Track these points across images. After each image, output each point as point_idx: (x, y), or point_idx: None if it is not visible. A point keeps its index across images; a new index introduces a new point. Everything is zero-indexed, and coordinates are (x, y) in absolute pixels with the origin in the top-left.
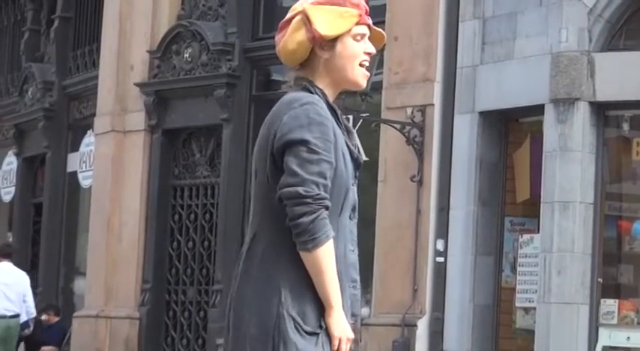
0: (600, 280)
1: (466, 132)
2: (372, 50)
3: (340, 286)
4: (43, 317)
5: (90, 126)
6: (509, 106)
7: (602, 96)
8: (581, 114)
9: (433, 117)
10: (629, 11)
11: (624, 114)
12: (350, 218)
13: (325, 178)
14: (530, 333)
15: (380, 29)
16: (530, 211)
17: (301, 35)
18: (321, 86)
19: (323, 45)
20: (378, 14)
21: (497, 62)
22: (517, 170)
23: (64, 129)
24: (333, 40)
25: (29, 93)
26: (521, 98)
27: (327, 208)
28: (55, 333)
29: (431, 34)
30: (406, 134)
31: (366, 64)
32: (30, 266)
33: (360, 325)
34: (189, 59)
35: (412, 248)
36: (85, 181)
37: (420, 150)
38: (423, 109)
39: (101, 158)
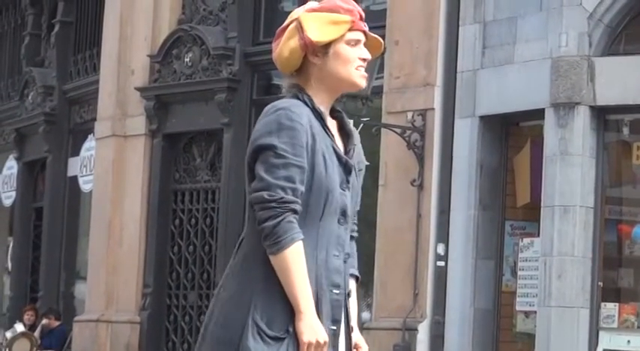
0: (600, 283)
1: (466, 136)
2: (367, 56)
3: (319, 291)
4: (44, 322)
5: (90, 130)
6: (510, 111)
7: (602, 100)
8: (582, 118)
9: (434, 121)
10: (629, 16)
11: (624, 118)
12: (339, 223)
13: (293, 182)
14: (530, 337)
15: (377, 36)
16: (531, 215)
17: (294, 42)
18: (315, 92)
19: (315, 51)
20: (378, 19)
21: (498, 66)
22: (517, 174)
23: (65, 133)
24: (326, 47)
25: (30, 97)
26: (521, 102)
27: (294, 211)
28: (55, 337)
29: (431, 39)
30: (407, 138)
31: (362, 69)
32: (31, 271)
33: (342, 331)
34: (190, 64)
35: (413, 252)
36: (85, 186)
37: (420, 154)
38: (423, 113)
39: (102, 163)
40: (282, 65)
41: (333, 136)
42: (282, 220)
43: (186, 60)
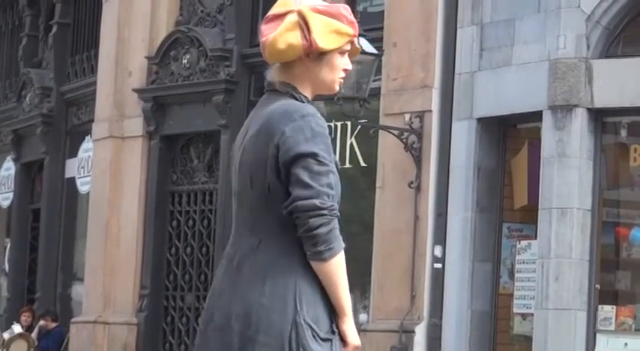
0: (598, 286)
1: (464, 138)
2: (350, 67)
3: None
4: (41, 323)
5: (88, 132)
6: (507, 113)
7: (600, 102)
8: (579, 120)
9: (431, 123)
10: (627, 18)
11: (622, 120)
12: None
13: (333, 189)
14: (527, 339)
15: (357, 46)
16: (528, 218)
17: (295, 38)
18: (302, 91)
19: (312, 54)
20: (376, 21)
21: (496, 68)
22: (515, 176)
23: (62, 135)
24: (322, 52)
25: (27, 99)
26: (519, 104)
27: (338, 218)
28: (53, 339)
29: (429, 41)
30: (404, 140)
31: (341, 80)
32: (28, 272)
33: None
34: (188, 65)
35: (410, 254)
36: (83, 187)
37: (418, 156)
38: (421, 115)
39: (99, 164)
40: (273, 55)
41: None
42: (334, 227)
43: (183, 61)
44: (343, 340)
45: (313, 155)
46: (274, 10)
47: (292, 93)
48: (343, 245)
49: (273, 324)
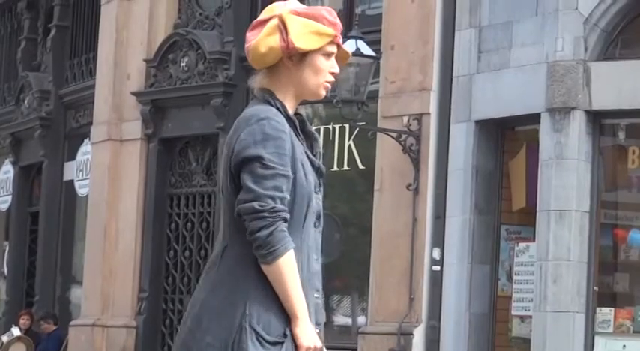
0: (596, 288)
1: (462, 141)
2: (337, 70)
3: (305, 296)
4: (42, 326)
5: (87, 135)
6: (505, 115)
7: (597, 105)
8: (577, 123)
9: (429, 126)
10: (624, 20)
11: (620, 123)
12: (314, 226)
13: (281, 192)
14: (526, 341)
15: (346, 49)
16: (526, 220)
17: (274, 41)
18: (282, 96)
19: (293, 56)
20: (374, 23)
21: (494, 71)
22: (513, 179)
23: (61, 138)
24: (304, 54)
25: (26, 102)
26: (517, 107)
27: (284, 220)
28: (52, 342)
29: (427, 43)
30: (402, 143)
31: (328, 84)
32: (27, 275)
33: (323, 333)
34: (186, 68)
35: (408, 257)
36: (81, 190)
37: (416, 159)
38: (419, 117)
39: (98, 167)
40: (255, 60)
41: (304, 141)
42: (275, 229)
43: (182, 64)
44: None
45: (258, 159)
46: (260, 16)
47: (268, 99)
48: (290, 246)
49: (221, 327)
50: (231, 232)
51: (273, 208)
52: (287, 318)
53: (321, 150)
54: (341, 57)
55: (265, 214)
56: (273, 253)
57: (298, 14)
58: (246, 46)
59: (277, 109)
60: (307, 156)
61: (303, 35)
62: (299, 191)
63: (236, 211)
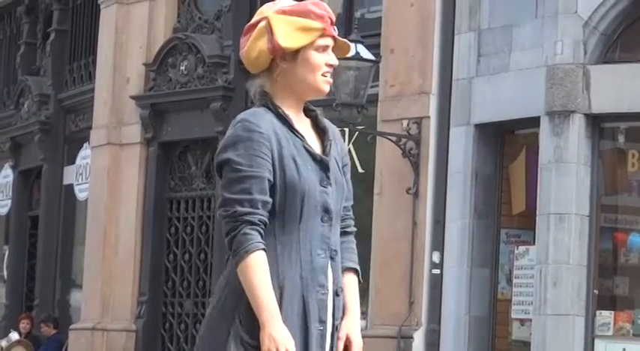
0: (596, 291)
1: (462, 144)
2: (335, 62)
3: (305, 292)
4: (42, 329)
5: (86, 139)
6: (505, 119)
7: (597, 108)
8: (577, 126)
9: (429, 129)
10: (624, 24)
11: (619, 126)
12: (322, 221)
13: (250, 194)
14: (526, 345)
15: (345, 39)
16: (526, 223)
17: (262, 44)
18: (283, 96)
19: (284, 56)
20: (374, 27)
21: (493, 74)
22: (513, 182)
23: (60, 142)
24: (295, 52)
25: (25, 106)
26: (516, 110)
27: (250, 222)
28: (52, 346)
29: (427, 47)
30: (402, 147)
31: (328, 75)
32: (26, 279)
33: (329, 330)
34: (185, 72)
35: (408, 260)
36: (81, 194)
37: (415, 162)
38: (418, 121)
39: (97, 171)
40: (250, 65)
41: (303, 136)
42: (238, 233)
43: (181, 68)
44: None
45: (227, 162)
46: (252, 20)
47: (261, 100)
48: (253, 249)
49: (215, 330)
50: None
51: (236, 211)
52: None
53: (335, 141)
54: (340, 48)
55: (229, 219)
56: (236, 257)
57: (284, 13)
58: (240, 52)
59: (268, 108)
60: (308, 150)
61: (289, 33)
62: (290, 188)
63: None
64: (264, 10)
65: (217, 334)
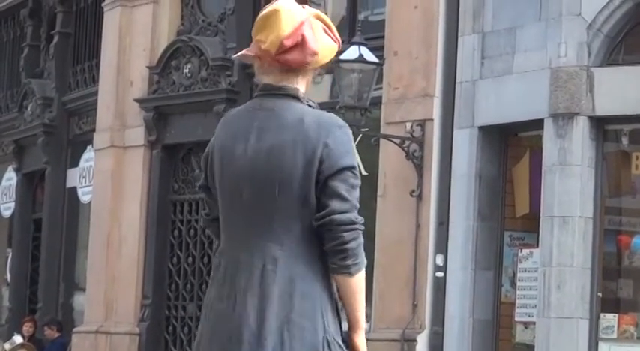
0: (600, 294)
1: (465, 147)
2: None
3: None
4: (46, 332)
5: (89, 141)
6: (509, 121)
7: (601, 110)
8: (581, 128)
9: (432, 132)
10: (628, 26)
11: (623, 128)
12: None
13: (359, 203)
14: (529, 347)
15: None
16: (530, 226)
17: (330, 42)
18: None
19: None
20: (377, 29)
21: (497, 77)
22: (516, 185)
23: (64, 145)
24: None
25: (29, 109)
26: (520, 113)
27: (362, 232)
28: (55, 348)
29: (430, 49)
30: (405, 149)
31: None
32: (30, 282)
33: None
34: (189, 75)
35: (411, 263)
36: (84, 197)
37: (419, 165)
38: (422, 123)
39: (101, 174)
40: (327, 60)
41: None
42: (362, 242)
43: (185, 71)
44: None
45: (352, 168)
46: (289, 14)
47: (310, 103)
48: (366, 261)
49: (305, 340)
50: (296, 238)
51: (359, 219)
52: (340, 326)
53: None
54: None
55: (358, 227)
56: (358, 265)
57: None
58: (313, 48)
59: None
60: None
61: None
62: None
63: (325, 219)
64: (304, 13)
65: (311, 332)
